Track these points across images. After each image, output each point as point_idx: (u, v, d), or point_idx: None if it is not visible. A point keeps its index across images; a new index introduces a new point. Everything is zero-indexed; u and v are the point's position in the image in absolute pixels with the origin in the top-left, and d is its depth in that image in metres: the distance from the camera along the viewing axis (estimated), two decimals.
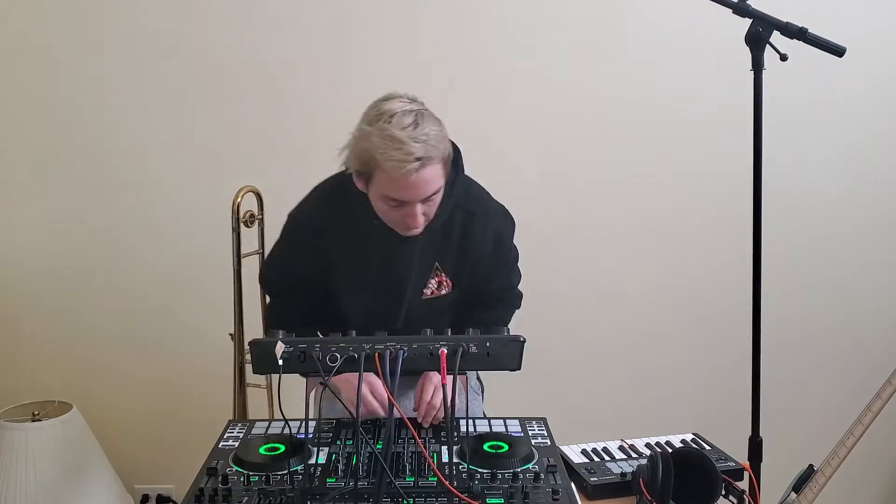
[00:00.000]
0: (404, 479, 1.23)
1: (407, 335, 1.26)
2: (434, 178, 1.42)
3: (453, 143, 1.53)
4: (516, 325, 1.39)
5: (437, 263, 1.61)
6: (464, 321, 1.50)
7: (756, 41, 1.46)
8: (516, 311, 1.79)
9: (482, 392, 1.88)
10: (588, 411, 2.39)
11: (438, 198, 1.48)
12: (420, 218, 1.46)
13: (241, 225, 2.01)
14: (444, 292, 1.63)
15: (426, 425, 1.48)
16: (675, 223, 2.44)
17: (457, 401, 1.22)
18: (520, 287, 1.79)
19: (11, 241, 2.40)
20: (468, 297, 1.69)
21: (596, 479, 1.38)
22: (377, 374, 1.22)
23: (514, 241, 1.74)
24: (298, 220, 1.66)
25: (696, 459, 1.30)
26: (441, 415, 1.48)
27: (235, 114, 2.33)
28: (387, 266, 1.59)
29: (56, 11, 2.26)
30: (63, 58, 2.29)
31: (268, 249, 2.16)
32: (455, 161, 1.54)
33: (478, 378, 1.87)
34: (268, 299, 1.81)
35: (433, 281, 1.62)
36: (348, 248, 1.60)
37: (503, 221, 1.69)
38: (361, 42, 2.30)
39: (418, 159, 1.36)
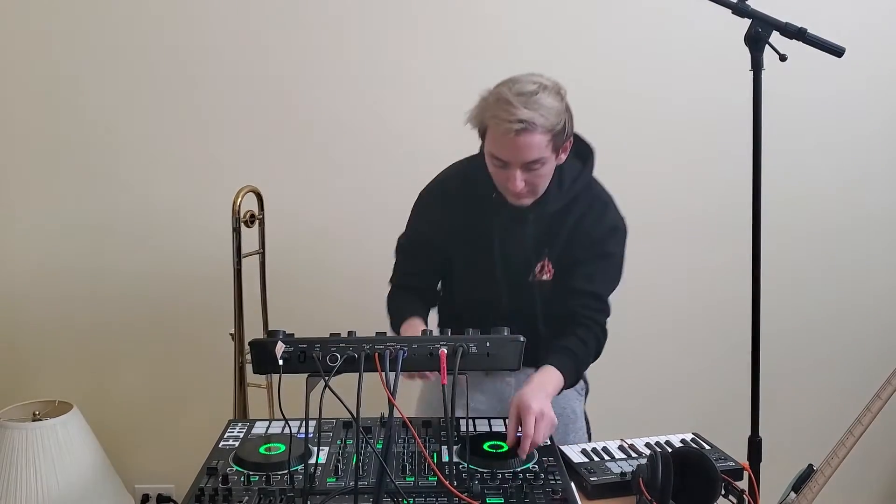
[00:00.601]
0: (404, 479, 1.23)
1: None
2: (536, 145, 1.47)
3: (586, 142, 1.68)
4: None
5: (546, 249, 1.67)
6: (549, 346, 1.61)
7: (755, 41, 1.46)
8: (598, 348, 1.72)
9: (586, 393, 1.89)
10: (588, 411, 2.39)
11: (544, 170, 1.54)
12: (519, 183, 1.52)
13: (241, 225, 2.01)
14: (545, 277, 1.67)
15: (523, 457, 1.38)
16: (674, 223, 2.44)
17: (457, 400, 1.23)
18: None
19: (12, 242, 2.40)
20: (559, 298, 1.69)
21: (596, 478, 1.38)
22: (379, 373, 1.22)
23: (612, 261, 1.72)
24: (428, 188, 1.76)
25: (696, 459, 1.30)
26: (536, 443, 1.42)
27: (235, 114, 2.33)
28: (502, 243, 1.66)
29: (56, 11, 2.26)
30: (63, 58, 2.29)
31: (268, 249, 2.17)
32: (583, 155, 1.68)
33: (583, 378, 1.86)
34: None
35: (539, 265, 1.67)
36: (467, 218, 1.68)
37: (615, 225, 1.70)
38: (362, 42, 2.30)
39: (521, 121, 1.44)
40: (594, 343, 1.69)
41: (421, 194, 1.77)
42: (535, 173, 1.53)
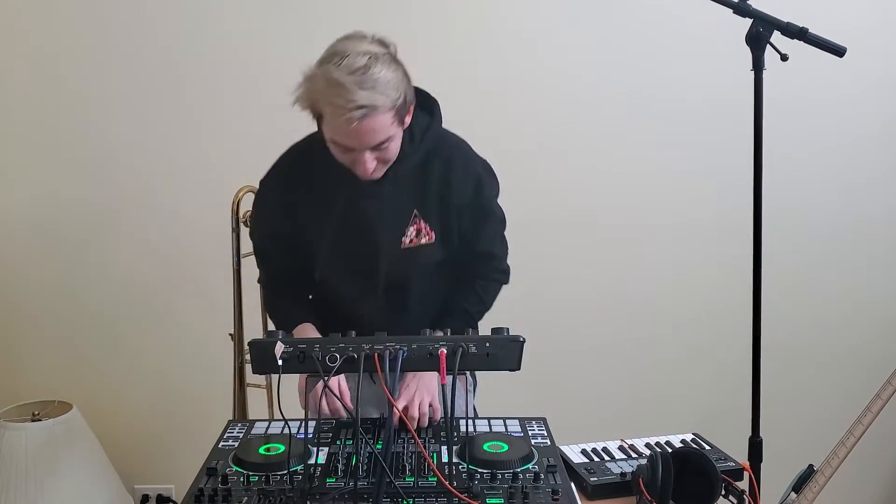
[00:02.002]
0: (404, 479, 1.23)
1: (405, 335, 1.26)
2: (381, 127, 1.35)
3: (428, 95, 1.53)
4: (516, 325, 1.38)
5: (415, 211, 1.54)
6: (447, 308, 1.60)
7: (756, 41, 1.46)
8: (503, 286, 1.71)
9: (474, 388, 1.84)
10: (588, 411, 2.39)
11: (393, 145, 1.42)
12: (370, 164, 1.40)
13: (241, 225, 2.01)
14: (423, 241, 1.55)
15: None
16: (675, 223, 2.44)
17: (458, 400, 1.22)
18: (513, 279, 1.72)
19: (11, 241, 2.40)
20: (456, 266, 1.64)
21: (596, 479, 1.37)
22: (378, 373, 1.22)
23: (507, 237, 1.69)
24: (266, 179, 1.63)
25: (696, 459, 1.30)
26: (425, 421, 1.47)
27: (235, 114, 2.33)
28: (357, 213, 1.53)
29: (57, 11, 2.26)
30: (63, 57, 2.29)
31: None
32: (429, 109, 1.53)
33: (470, 373, 1.80)
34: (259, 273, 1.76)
35: (411, 229, 1.55)
36: (316, 199, 1.55)
37: (485, 170, 1.61)
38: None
39: (361, 107, 1.30)
40: (492, 297, 1.68)
41: (260, 188, 1.64)
42: (384, 152, 1.41)
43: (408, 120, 1.46)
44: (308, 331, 1.58)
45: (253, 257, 2.11)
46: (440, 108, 1.57)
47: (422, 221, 1.55)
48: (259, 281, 1.77)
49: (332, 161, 1.47)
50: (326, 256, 1.57)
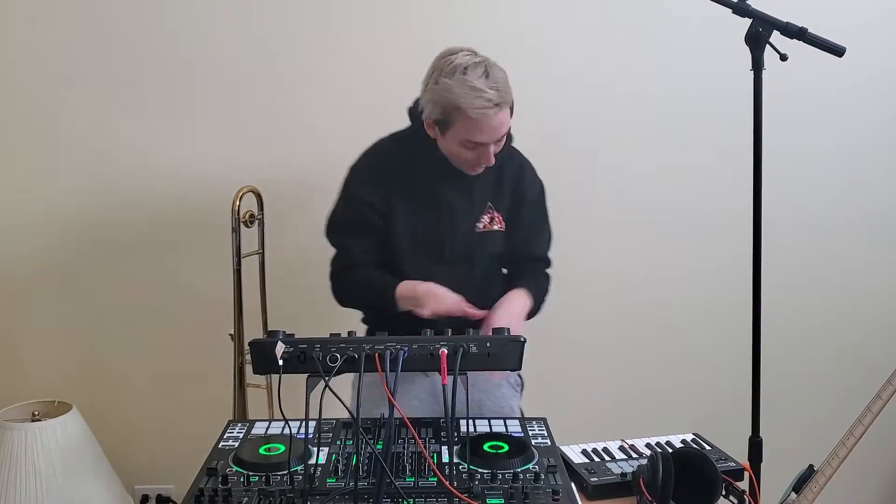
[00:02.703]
0: (404, 479, 1.23)
1: (407, 335, 1.26)
2: (507, 120, 1.64)
3: None
4: None
5: (490, 203, 1.81)
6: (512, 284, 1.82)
7: (756, 41, 1.47)
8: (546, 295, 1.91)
9: (521, 389, 1.97)
10: (588, 411, 2.39)
11: (504, 140, 1.70)
12: (492, 157, 1.68)
13: (241, 225, 2.01)
14: (495, 227, 1.82)
15: None
16: (675, 223, 2.44)
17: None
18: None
19: (11, 241, 2.40)
20: (511, 261, 1.90)
21: (596, 479, 1.37)
22: (379, 373, 1.22)
23: None
24: (360, 162, 1.84)
25: (696, 459, 1.30)
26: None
27: (235, 114, 2.33)
28: (446, 198, 1.78)
29: (56, 10, 2.26)
30: (63, 57, 2.29)
31: (268, 249, 2.17)
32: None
33: (518, 374, 1.95)
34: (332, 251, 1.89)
35: (485, 216, 1.81)
36: (410, 179, 1.78)
37: (542, 187, 1.91)
38: (362, 43, 2.30)
39: (496, 104, 1.58)
40: (545, 289, 1.91)
41: (352, 169, 1.83)
42: (500, 144, 1.69)
43: None
44: (407, 284, 1.72)
45: (253, 258, 2.12)
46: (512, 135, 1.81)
47: (494, 212, 1.82)
48: (333, 270, 1.87)
49: (424, 153, 1.75)
50: (415, 245, 1.79)
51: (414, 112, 1.79)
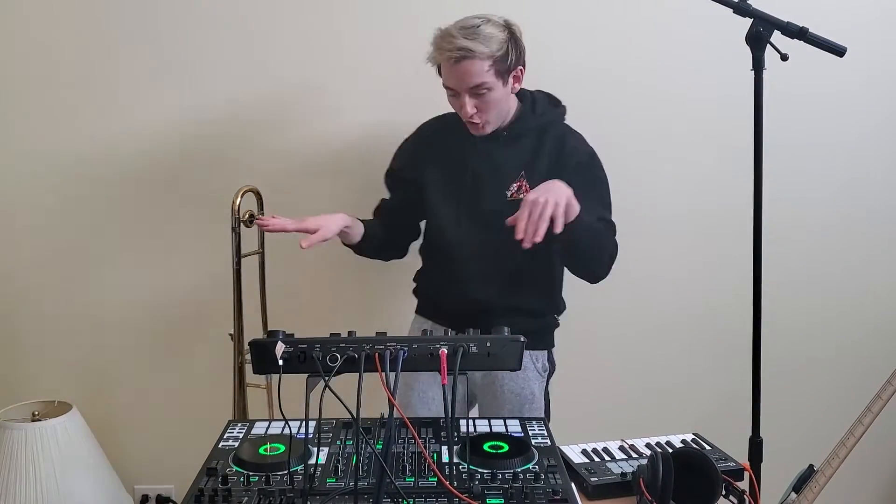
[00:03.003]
0: (404, 479, 1.23)
1: (404, 336, 1.26)
2: (476, 71, 1.67)
3: (557, 98, 1.93)
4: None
5: (523, 171, 1.82)
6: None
7: (757, 41, 1.47)
8: (612, 250, 1.90)
9: (549, 375, 2.00)
10: (588, 411, 2.39)
11: (492, 96, 1.72)
12: (469, 108, 1.72)
13: (241, 225, 2.01)
14: (522, 196, 1.75)
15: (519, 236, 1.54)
16: (675, 222, 2.44)
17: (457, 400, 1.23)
18: None
19: (10, 241, 2.40)
20: None
21: (596, 479, 1.37)
22: (379, 373, 1.22)
23: None
24: (410, 136, 2.00)
25: (696, 459, 1.29)
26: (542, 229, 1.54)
27: (235, 113, 2.33)
28: (473, 164, 1.85)
29: (55, 10, 2.26)
30: (62, 56, 2.29)
31: (268, 249, 2.17)
32: (555, 103, 1.91)
33: (548, 359, 2.00)
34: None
35: (515, 185, 1.82)
36: (442, 152, 1.90)
37: (594, 151, 1.88)
38: (361, 42, 2.29)
39: (459, 49, 1.64)
40: (606, 235, 1.85)
41: (404, 141, 2.00)
42: (483, 99, 1.71)
43: (516, 86, 1.79)
44: (355, 222, 1.89)
45: (253, 257, 2.12)
46: (565, 109, 1.93)
47: (525, 181, 1.81)
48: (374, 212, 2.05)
49: (458, 124, 1.84)
50: (442, 201, 1.87)
51: None
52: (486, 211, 1.82)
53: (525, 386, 1.89)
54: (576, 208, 1.60)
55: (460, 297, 1.87)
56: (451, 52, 1.65)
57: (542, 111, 1.86)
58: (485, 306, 1.82)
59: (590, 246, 1.78)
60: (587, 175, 1.83)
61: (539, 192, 1.57)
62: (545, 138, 1.83)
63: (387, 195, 2.05)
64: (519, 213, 1.55)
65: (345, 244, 1.94)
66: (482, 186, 1.84)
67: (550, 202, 1.53)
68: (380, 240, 1.96)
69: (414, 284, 2.06)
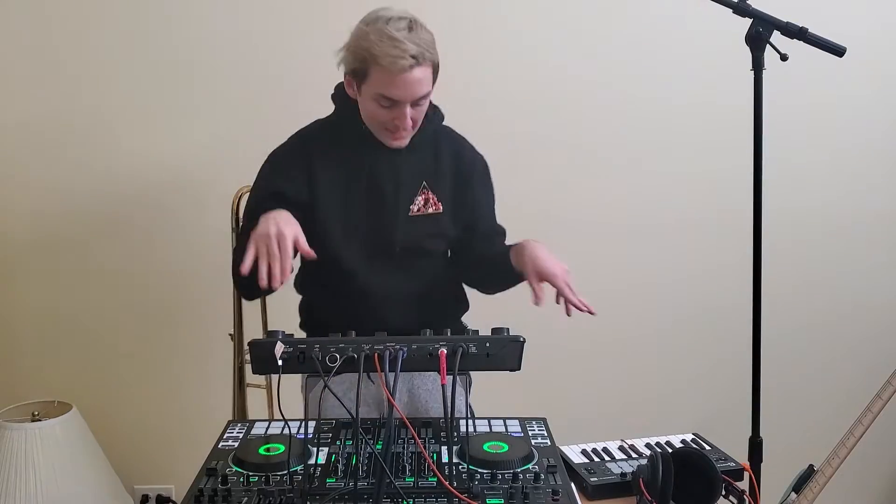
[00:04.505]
0: (404, 479, 1.23)
1: (404, 336, 1.26)
2: (425, 79, 1.51)
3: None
4: (516, 325, 1.39)
5: (424, 182, 1.67)
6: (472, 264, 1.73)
7: (756, 41, 1.47)
8: None
9: (469, 385, 1.85)
10: (588, 411, 2.39)
11: (425, 106, 1.58)
12: (409, 120, 1.54)
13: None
14: (430, 210, 1.67)
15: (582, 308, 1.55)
16: (674, 222, 2.44)
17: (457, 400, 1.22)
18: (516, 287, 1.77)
19: (10, 241, 2.40)
20: (464, 242, 1.75)
21: (596, 479, 1.37)
22: (379, 373, 1.22)
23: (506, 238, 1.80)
24: (282, 146, 1.71)
25: (696, 459, 1.30)
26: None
27: (235, 113, 2.33)
28: (371, 179, 1.64)
29: (57, 9, 2.26)
30: (63, 56, 2.29)
31: None
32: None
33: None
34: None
35: (420, 198, 1.67)
36: (332, 165, 1.65)
37: (485, 160, 1.77)
38: None
39: (413, 56, 1.46)
40: None
41: (274, 153, 1.70)
42: (419, 109, 1.56)
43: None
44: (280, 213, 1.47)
45: None
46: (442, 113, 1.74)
47: (430, 192, 1.67)
48: (235, 247, 1.73)
49: (348, 132, 1.63)
50: (339, 222, 1.64)
51: (336, 96, 1.70)
52: (389, 228, 1.65)
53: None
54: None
55: (367, 322, 1.51)
56: (402, 59, 1.45)
57: (430, 116, 1.67)
58: (396, 328, 1.48)
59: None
60: (487, 183, 1.78)
61: (550, 261, 1.58)
62: (440, 145, 1.70)
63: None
64: (566, 295, 1.58)
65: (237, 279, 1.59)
66: (385, 201, 1.65)
67: (565, 268, 1.58)
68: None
69: (299, 318, 1.83)
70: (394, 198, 1.65)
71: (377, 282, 1.66)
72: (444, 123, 1.74)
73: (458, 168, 1.70)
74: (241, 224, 1.76)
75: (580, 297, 1.54)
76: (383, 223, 1.65)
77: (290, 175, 1.64)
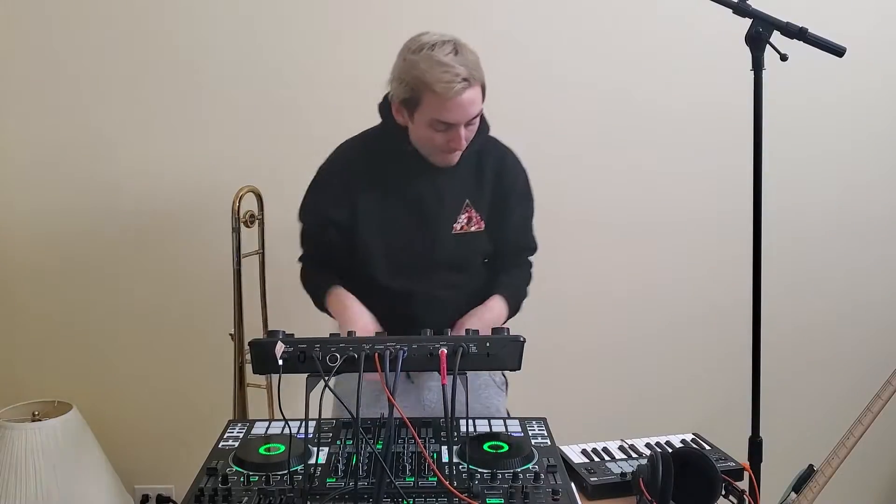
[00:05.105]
0: (404, 479, 1.23)
1: (406, 335, 1.26)
2: (477, 99, 1.55)
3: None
4: (516, 325, 1.39)
5: (467, 200, 1.69)
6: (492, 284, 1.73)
7: (756, 41, 1.47)
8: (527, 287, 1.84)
9: (506, 387, 1.91)
10: (588, 411, 2.39)
11: (476, 124, 1.60)
12: (463, 141, 1.58)
13: (241, 225, 2.01)
14: (473, 228, 1.70)
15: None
16: (675, 223, 2.44)
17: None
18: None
19: (11, 241, 2.40)
20: (495, 255, 1.77)
21: (596, 479, 1.37)
22: (378, 373, 1.22)
23: None
24: (326, 165, 1.74)
25: (696, 459, 1.29)
26: None
27: (235, 114, 2.33)
28: (414, 198, 1.67)
29: (59, 10, 2.26)
30: (65, 56, 2.29)
31: (268, 249, 2.17)
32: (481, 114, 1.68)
33: (502, 373, 1.90)
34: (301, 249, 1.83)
35: (463, 217, 1.69)
36: (374, 185, 1.67)
37: (526, 174, 1.79)
38: (361, 42, 2.30)
39: (465, 79, 1.49)
40: (529, 278, 1.83)
41: (320, 173, 1.74)
42: (471, 129, 1.59)
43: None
44: (341, 294, 1.66)
45: (253, 258, 2.12)
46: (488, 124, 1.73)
47: (472, 210, 1.69)
48: (299, 259, 1.81)
49: (392, 149, 1.65)
50: (380, 240, 1.68)
51: (384, 108, 1.69)
52: (433, 246, 1.68)
53: (490, 404, 1.81)
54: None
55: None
56: (455, 83, 1.48)
57: (478, 131, 1.68)
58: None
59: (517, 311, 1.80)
60: (525, 199, 1.79)
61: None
62: (483, 161, 1.71)
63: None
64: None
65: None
66: (429, 221, 1.68)
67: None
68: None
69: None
70: (437, 216, 1.68)
71: (419, 297, 1.68)
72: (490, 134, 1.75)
73: (498, 185, 1.72)
74: (301, 245, 1.81)
75: None
76: (426, 242, 1.68)
77: (336, 202, 1.68)
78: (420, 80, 1.51)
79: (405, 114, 1.60)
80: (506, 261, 1.79)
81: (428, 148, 1.63)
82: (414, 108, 1.57)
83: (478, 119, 1.59)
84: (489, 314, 1.67)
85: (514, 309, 1.75)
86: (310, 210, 1.75)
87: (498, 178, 1.72)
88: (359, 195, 1.67)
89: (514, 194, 1.74)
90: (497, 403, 1.83)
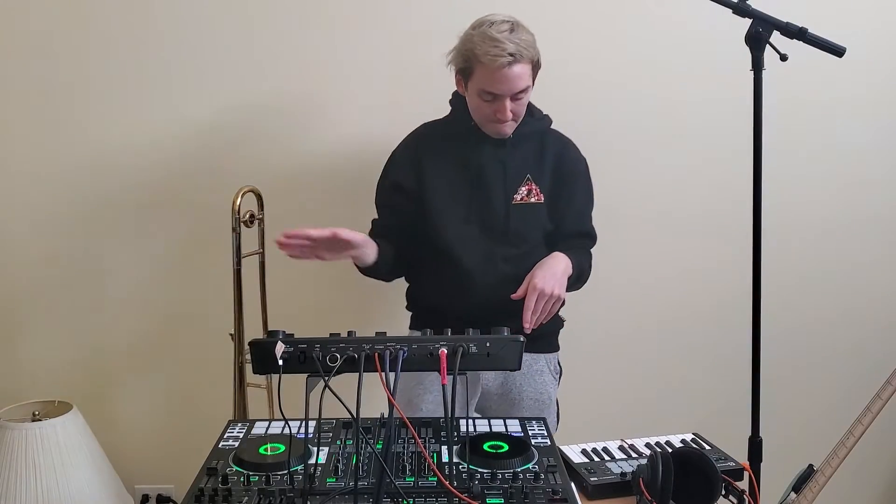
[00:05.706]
0: (404, 479, 1.23)
1: (404, 336, 1.26)
2: (523, 75, 1.69)
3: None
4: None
5: (528, 175, 1.84)
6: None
7: (756, 41, 1.47)
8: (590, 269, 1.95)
9: (559, 377, 2.03)
10: (588, 411, 2.39)
11: (526, 99, 1.75)
12: (508, 113, 1.72)
13: (241, 225, 2.01)
14: (532, 200, 1.84)
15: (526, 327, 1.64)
16: (675, 222, 2.44)
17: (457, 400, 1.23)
18: None
19: (11, 241, 2.40)
20: (556, 236, 1.89)
21: (596, 479, 1.38)
22: (379, 373, 1.22)
23: None
24: (402, 143, 1.93)
25: (696, 459, 1.30)
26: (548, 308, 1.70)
27: (235, 113, 2.33)
28: (478, 169, 1.82)
29: (56, 8, 2.26)
30: (62, 56, 2.29)
31: (268, 249, 2.17)
32: (534, 105, 1.86)
33: (558, 362, 2.04)
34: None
35: (523, 188, 1.83)
36: (440, 157, 1.85)
37: (587, 163, 1.94)
38: (361, 42, 2.29)
39: (511, 55, 1.65)
40: (589, 263, 1.94)
41: (395, 150, 1.93)
42: (520, 102, 1.74)
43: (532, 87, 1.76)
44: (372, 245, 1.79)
45: (253, 258, 2.12)
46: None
47: (533, 184, 1.84)
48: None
49: (458, 129, 1.84)
50: (446, 207, 1.83)
51: (453, 100, 1.88)
52: (493, 214, 1.82)
53: (543, 391, 1.90)
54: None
55: (468, 303, 1.80)
56: (501, 56, 1.64)
57: (539, 116, 1.89)
58: (495, 310, 1.69)
59: (580, 283, 1.93)
60: (585, 184, 1.93)
61: (546, 279, 1.68)
62: (546, 143, 1.87)
63: (375, 215, 1.96)
64: (528, 303, 1.66)
65: (358, 267, 1.86)
66: (490, 189, 1.83)
67: (555, 295, 1.69)
68: (392, 258, 1.86)
69: (405, 301, 2.01)
70: (498, 185, 1.82)
71: (479, 264, 1.82)
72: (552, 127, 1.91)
73: (559, 167, 1.86)
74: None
75: (533, 317, 1.67)
76: (488, 209, 1.82)
77: (404, 169, 1.88)
78: (472, 52, 1.68)
79: (462, 83, 1.78)
80: (568, 243, 1.89)
81: (479, 117, 1.79)
82: (468, 78, 1.74)
83: (526, 95, 1.73)
84: (558, 264, 1.75)
85: (578, 273, 1.83)
86: (382, 176, 1.94)
87: (559, 161, 1.86)
88: (425, 162, 1.85)
89: (574, 181, 1.89)
90: (550, 391, 1.94)
